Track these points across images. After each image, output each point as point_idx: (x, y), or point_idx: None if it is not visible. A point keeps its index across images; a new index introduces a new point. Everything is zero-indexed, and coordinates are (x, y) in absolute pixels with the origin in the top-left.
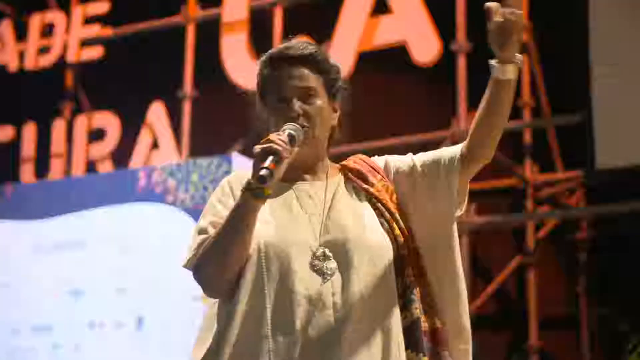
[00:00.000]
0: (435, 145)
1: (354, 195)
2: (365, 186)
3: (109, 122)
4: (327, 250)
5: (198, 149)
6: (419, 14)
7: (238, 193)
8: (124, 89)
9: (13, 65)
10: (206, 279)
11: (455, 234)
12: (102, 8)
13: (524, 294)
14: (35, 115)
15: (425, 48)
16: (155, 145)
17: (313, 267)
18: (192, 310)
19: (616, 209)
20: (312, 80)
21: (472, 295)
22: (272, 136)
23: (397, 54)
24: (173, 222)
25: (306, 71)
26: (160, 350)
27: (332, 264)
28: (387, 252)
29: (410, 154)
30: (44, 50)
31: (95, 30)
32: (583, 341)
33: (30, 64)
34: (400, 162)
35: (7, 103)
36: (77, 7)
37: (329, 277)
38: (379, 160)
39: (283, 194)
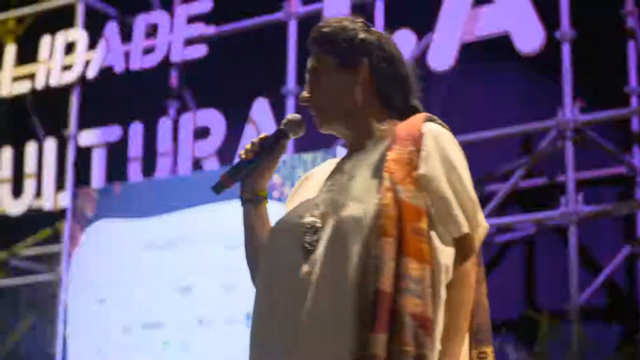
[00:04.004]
0: (541, 134)
1: (373, 163)
2: (388, 152)
3: (214, 119)
4: (317, 223)
5: (303, 144)
6: (521, 3)
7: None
8: (228, 87)
9: (119, 67)
10: None
11: None
12: (205, 7)
13: (634, 283)
14: (141, 115)
15: (529, 37)
16: None
17: (302, 242)
18: None
19: None
20: (318, 61)
21: (581, 285)
22: (247, 144)
23: (501, 43)
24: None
25: (316, 54)
26: None
27: (315, 237)
28: (360, 225)
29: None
30: (148, 51)
31: (199, 29)
32: None
33: (135, 64)
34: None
35: (115, 104)
36: (180, 6)
37: (309, 251)
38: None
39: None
